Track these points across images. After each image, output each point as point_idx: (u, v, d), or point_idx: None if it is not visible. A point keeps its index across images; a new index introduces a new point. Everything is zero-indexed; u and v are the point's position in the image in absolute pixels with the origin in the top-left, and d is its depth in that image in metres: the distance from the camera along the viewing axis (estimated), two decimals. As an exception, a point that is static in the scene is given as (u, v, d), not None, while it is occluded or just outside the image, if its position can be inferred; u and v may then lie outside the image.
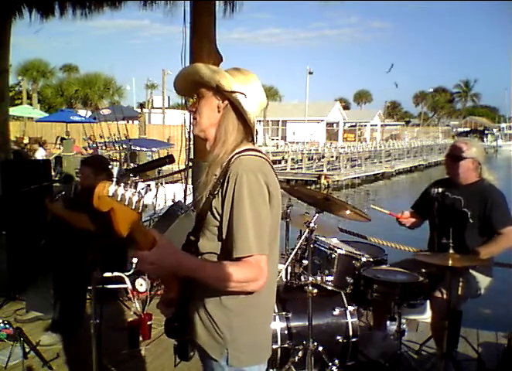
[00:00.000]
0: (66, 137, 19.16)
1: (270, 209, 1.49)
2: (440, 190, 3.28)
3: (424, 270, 3.06)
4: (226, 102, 1.55)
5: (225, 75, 1.53)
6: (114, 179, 1.22)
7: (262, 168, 1.49)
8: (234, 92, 1.52)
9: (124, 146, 15.12)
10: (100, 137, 15.59)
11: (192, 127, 1.64)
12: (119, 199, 1.21)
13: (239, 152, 1.51)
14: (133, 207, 1.23)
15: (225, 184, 1.47)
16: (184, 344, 1.62)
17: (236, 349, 1.52)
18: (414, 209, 3.53)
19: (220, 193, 1.49)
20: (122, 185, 1.22)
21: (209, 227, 1.52)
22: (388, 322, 3.46)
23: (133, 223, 1.27)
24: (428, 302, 3.17)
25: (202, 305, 1.55)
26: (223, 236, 1.49)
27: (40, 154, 16.09)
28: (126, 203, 1.22)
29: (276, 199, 1.52)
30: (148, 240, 1.36)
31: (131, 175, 1.26)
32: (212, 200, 1.50)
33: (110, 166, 4.32)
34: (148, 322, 3.73)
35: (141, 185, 1.29)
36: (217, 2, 5.25)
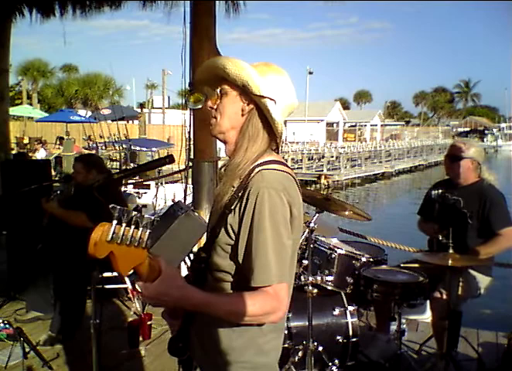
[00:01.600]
0: (66, 137, 19.16)
1: (291, 232, 1.36)
2: (440, 191, 3.28)
3: (424, 271, 3.07)
4: (252, 106, 1.40)
5: (254, 75, 1.36)
6: (114, 221, 1.09)
7: (286, 185, 1.35)
8: (263, 97, 1.36)
9: (124, 146, 15.13)
10: (100, 137, 15.60)
11: (211, 127, 1.48)
12: (120, 241, 1.09)
13: (261, 164, 1.37)
14: (136, 245, 1.11)
15: (244, 200, 1.33)
16: (189, 358, 1.55)
17: None
18: (421, 214, 3.52)
19: (237, 209, 1.35)
20: (123, 224, 1.10)
21: (221, 244, 1.39)
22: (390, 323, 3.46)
23: (138, 260, 1.15)
24: (428, 302, 3.17)
25: (204, 326, 1.46)
26: (238, 257, 1.35)
27: (40, 155, 16.05)
28: (128, 243, 1.10)
29: (298, 220, 1.38)
30: (153, 271, 1.22)
31: (134, 212, 1.16)
32: (227, 215, 1.36)
33: (103, 163, 4.33)
34: (148, 322, 3.73)
35: (146, 218, 1.18)
36: (220, 2, 5.24)
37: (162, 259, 1.24)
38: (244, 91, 1.39)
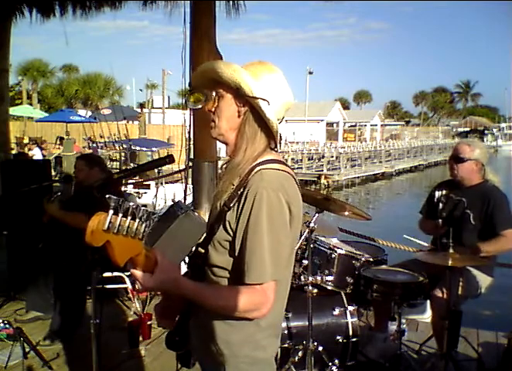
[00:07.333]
0: (66, 137, 19.13)
1: (289, 230, 1.38)
2: (444, 192, 3.29)
3: (424, 271, 3.07)
4: (247, 107, 1.43)
5: (246, 77, 1.40)
6: (111, 211, 1.11)
7: (284, 184, 1.37)
8: (256, 98, 1.39)
9: (124, 146, 15.14)
10: (100, 137, 15.60)
11: (211, 130, 1.51)
12: (116, 231, 1.11)
13: (260, 163, 1.39)
14: (133, 235, 1.14)
15: (242, 198, 1.36)
16: (187, 353, 1.58)
17: (234, 367, 1.45)
18: (424, 214, 3.52)
19: (236, 207, 1.37)
20: (120, 214, 1.11)
21: (219, 240, 1.41)
22: (388, 322, 3.46)
23: (134, 252, 1.17)
24: (428, 302, 3.17)
25: (202, 320, 1.48)
26: (235, 253, 1.38)
27: (35, 154, 15.94)
28: (124, 233, 1.12)
29: (297, 218, 1.41)
30: (149, 262, 1.25)
31: (130, 203, 1.15)
32: (226, 212, 1.39)
33: (104, 162, 4.33)
34: (148, 322, 3.73)
35: (142, 210, 1.18)
36: (220, 2, 5.23)
37: (157, 251, 1.28)
38: (239, 93, 1.42)
